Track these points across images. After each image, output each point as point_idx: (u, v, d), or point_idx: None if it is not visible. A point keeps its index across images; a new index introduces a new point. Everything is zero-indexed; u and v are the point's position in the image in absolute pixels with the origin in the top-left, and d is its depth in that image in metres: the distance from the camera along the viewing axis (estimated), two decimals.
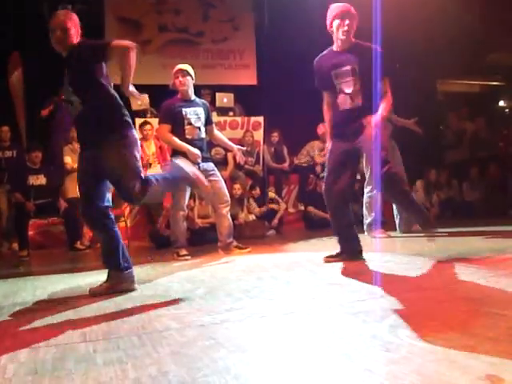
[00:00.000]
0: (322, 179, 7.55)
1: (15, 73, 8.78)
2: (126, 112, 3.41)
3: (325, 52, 4.12)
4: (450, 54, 9.87)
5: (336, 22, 3.96)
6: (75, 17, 3.45)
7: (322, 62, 4.08)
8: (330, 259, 4.04)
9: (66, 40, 3.36)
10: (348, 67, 3.93)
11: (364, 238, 5.87)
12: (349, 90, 3.95)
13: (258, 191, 8.01)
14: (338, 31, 3.96)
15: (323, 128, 6.95)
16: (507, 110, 12.79)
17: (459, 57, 10.05)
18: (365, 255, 4.07)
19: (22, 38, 8.52)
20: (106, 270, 3.40)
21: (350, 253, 4.05)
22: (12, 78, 8.77)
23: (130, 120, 3.42)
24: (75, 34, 3.39)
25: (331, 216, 4.11)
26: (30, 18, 9.05)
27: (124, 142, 3.28)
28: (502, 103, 12.95)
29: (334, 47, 4.08)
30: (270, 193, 8.40)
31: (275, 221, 7.96)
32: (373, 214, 5.88)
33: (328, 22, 4.03)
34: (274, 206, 8.13)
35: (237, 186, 7.61)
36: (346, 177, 4.00)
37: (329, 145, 4.16)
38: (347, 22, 3.91)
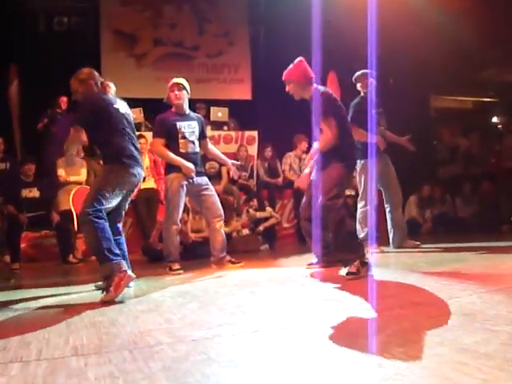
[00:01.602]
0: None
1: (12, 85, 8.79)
2: None
3: None
4: (443, 70, 9.94)
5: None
6: None
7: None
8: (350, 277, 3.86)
9: None
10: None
11: None
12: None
13: (255, 202, 8.02)
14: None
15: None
16: (500, 126, 12.85)
17: (453, 73, 10.12)
18: None
19: (20, 51, 8.53)
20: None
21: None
22: (10, 90, 8.78)
23: None
24: None
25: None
26: (29, 31, 9.10)
27: None
28: (495, 119, 13.02)
29: None
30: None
31: (260, 228, 7.86)
32: (366, 229, 5.88)
33: None
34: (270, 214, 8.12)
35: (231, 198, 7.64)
36: None
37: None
38: (287, 88, 4.56)
